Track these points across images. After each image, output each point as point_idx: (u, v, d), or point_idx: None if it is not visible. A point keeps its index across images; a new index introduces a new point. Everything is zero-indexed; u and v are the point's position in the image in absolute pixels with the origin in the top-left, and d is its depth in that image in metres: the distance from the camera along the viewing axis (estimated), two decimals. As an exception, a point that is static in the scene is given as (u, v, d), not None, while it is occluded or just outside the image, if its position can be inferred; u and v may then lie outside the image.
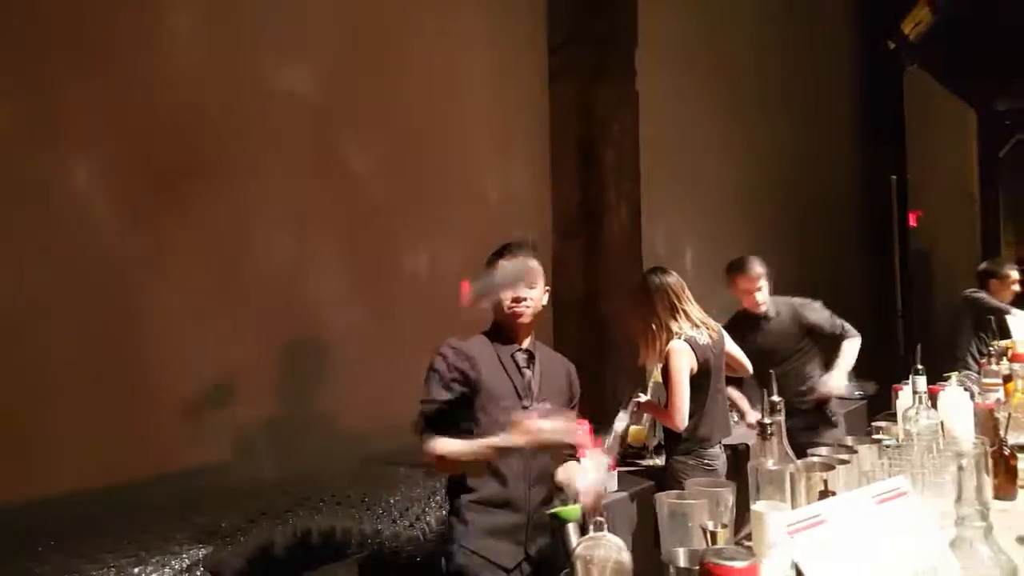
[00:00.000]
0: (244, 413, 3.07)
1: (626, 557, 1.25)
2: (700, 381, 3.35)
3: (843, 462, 1.55)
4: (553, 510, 1.18)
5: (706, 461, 3.38)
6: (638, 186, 4.40)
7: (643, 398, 3.71)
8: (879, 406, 3.79)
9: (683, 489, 3.26)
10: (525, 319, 2.35)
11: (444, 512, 2.71)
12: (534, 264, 2.40)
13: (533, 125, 4.34)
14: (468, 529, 2.23)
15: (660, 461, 3.78)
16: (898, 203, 8.41)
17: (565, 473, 2.20)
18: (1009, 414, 2.27)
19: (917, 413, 1.95)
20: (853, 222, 8.43)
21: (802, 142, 7.33)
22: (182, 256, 2.91)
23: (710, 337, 3.42)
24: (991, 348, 3.98)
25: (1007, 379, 2.63)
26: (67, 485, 2.47)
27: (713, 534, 1.25)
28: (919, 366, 1.93)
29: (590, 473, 1.75)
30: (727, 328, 3.70)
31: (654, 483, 3.50)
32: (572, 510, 1.17)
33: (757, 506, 1.34)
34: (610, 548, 1.22)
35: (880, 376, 4.97)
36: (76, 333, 2.59)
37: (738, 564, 1.07)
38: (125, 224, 2.76)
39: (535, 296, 2.37)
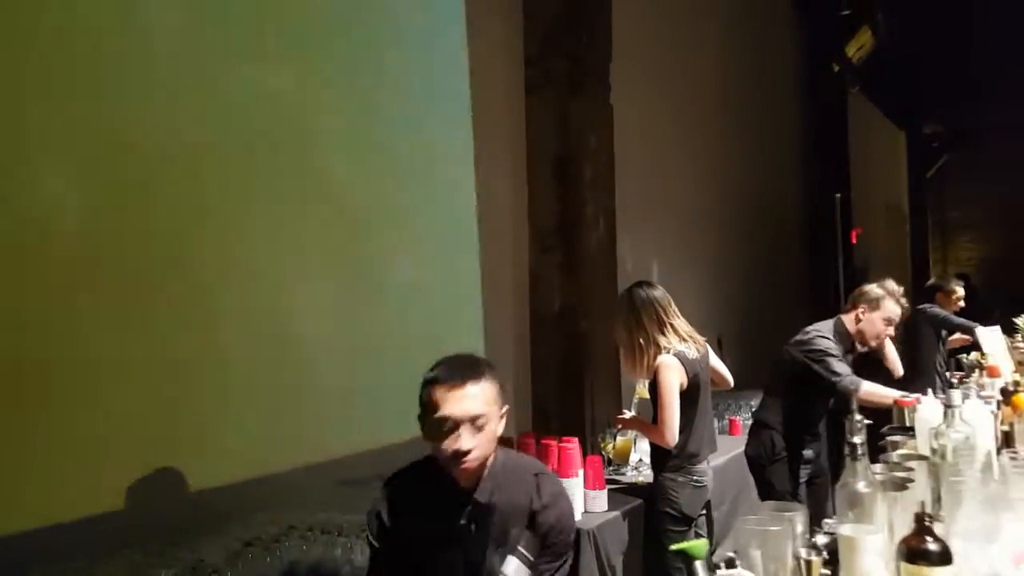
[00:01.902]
0: (212, 436, 2.90)
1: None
2: (690, 396, 3.31)
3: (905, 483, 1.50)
4: (679, 546, 1.07)
5: (695, 478, 3.33)
6: (613, 200, 4.38)
7: (627, 415, 3.66)
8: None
9: (676, 507, 3.28)
10: (470, 468, 1.80)
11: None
12: (477, 395, 1.78)
13: (510, 137, 4.27)
14: None
15: (642, 477, 3.73)
16: (842, 220, 8.63)
17: None
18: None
19: (949, 428, 1.92)
20: (799, 238, 8.63)
21: (753, 160, 7.47)
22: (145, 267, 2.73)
23: (697, 351, 3.39)
24: (961, 362, 4.08)
25: (1007, 393, 2.65)
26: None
27: (808, 563, 1.18)
28: (953, 380, 1.91)
29: None
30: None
31: (642, 501, 3.44)
32: (699, 545, 1.06)
33: (846, 530, 1.28)
34: None
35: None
36: None
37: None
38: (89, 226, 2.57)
39: (484, 440, 1.79)
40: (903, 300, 3.60)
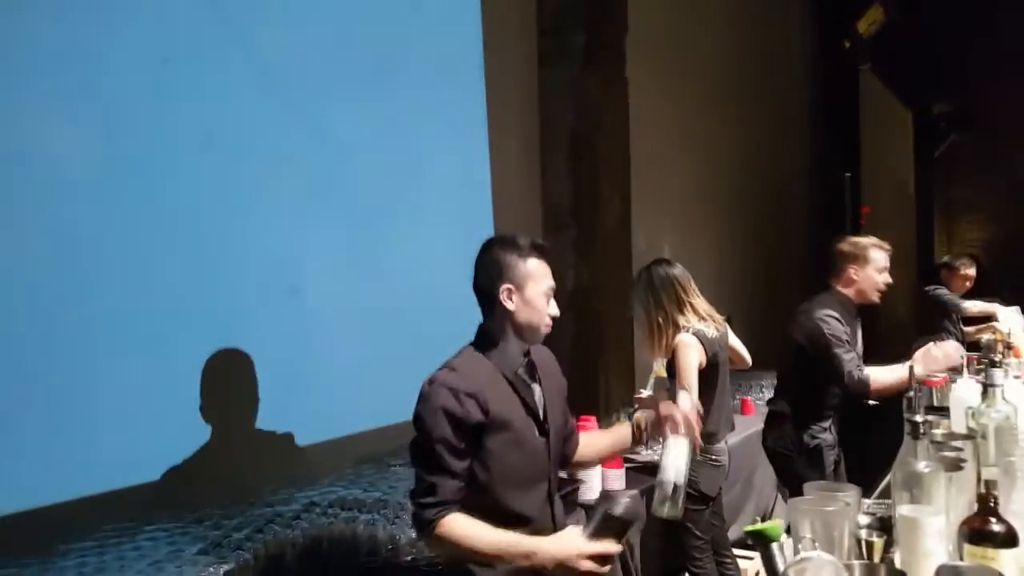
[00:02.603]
0: (237, 413, 2.87)
1: (844, 576, 1.07)
2: (709, 375, 3.27)
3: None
4: (754, 527, 1.03)
5: (713, 457, 3.31)
6: (629, 177, 4.31)
7: (644, 394, 3.62)
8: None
9: (694, 486, 3.25)
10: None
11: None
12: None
13: (522, 110, 4.20)
14: (492, 572, 1.85)
15: (658, 456, 3.70)
16: (851, 199, 8.57)
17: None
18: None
19: (990, 407, 1.88)
20: (809, 217, 8.56)
21: (763, 137, 7.39)
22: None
23: (716, 330, 3.35)
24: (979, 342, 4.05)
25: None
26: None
27: (869, 544, 1.15)
28: (997, 358, 1.87)
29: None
30: None
31: (659, 480, 3.42)
32: (775, 527, 1.02)
33: (906, 511, 1.24)
34: (824, 568, 1.08)
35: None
36: None
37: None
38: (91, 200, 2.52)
39: None
40: (885, 244, 3.48)
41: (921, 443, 1.28)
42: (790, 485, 3.47)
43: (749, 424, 4.36)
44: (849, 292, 3.45)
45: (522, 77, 4.20)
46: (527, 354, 1.99)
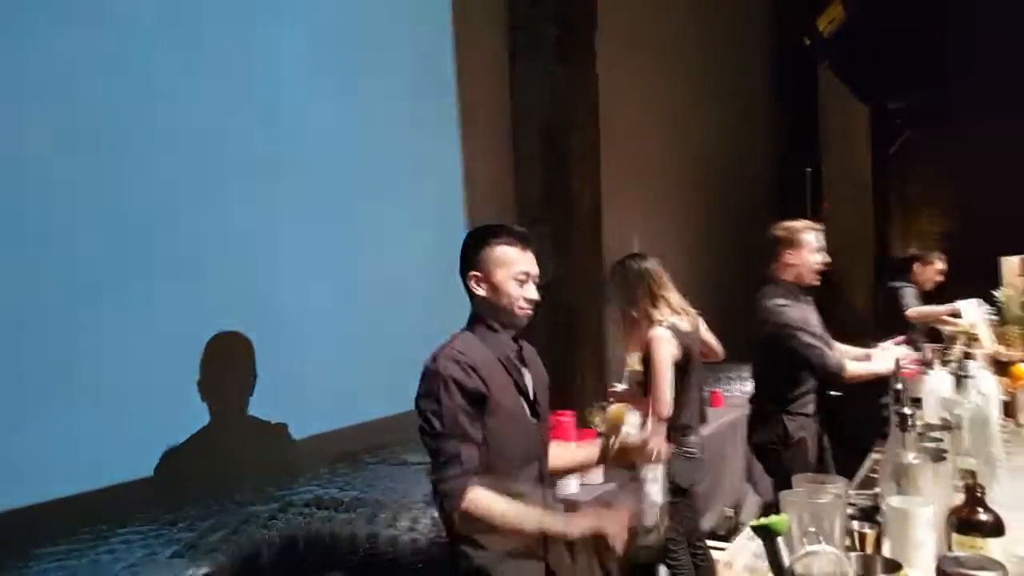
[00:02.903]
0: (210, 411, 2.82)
1: (849, 570, 1.08)
2: (683, 369, 3.30)
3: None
4: (759, 522, 1.03)
5: (688, 449, 3.33)
6: (599, 171, 4.32)
7: (619, 388, 3.65)
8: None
9: (670, 478, 3.26)
10: (530, 317, 2.02)
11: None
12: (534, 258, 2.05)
13: (493, 104, 4.18)
14: (484, 554, 1.91)
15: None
16: (812, 195, 8.69)
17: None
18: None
19: (964, 398, 1.92)
20: (771, 212, 8.66)
21: (727, 133, 7.47)
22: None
23: (689, 324, 3.37)
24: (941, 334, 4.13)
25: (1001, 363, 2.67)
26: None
27: (862, 535, 1.16)
28: (969, 351, 1.90)
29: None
30: None
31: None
32: (781, 521, 1.02)
33: (895, 501, 1.26)
34: (830, 562, 1.08)
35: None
36: None
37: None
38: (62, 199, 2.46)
39: None
40: (815, 225, 3.55)
41: (910, 435, 1.30)
42: (778, 479, 3.52)
43: (719, 416, 4.41)
44: (789, 277, 3.50)
45: (493, 71, 4.18)
46: (516, 339, 2.03)
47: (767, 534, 1.01)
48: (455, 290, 3.96)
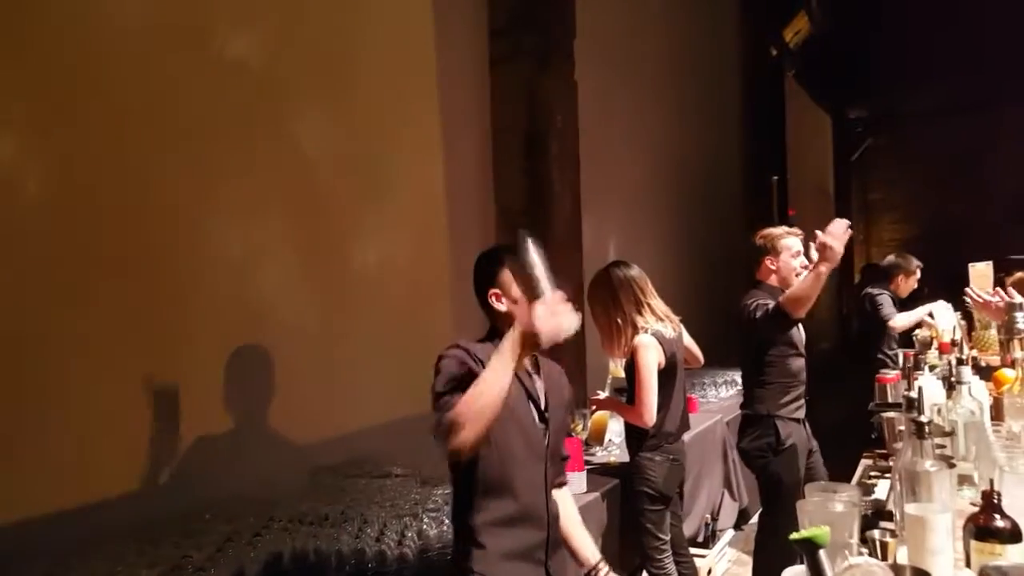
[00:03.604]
0: (190, 426, 2.76)
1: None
2: (667, 376, 3.30)
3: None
4: (802, 535, 1.00)
5: (672, 456, 3.33)
6: (579, 178, 4.32)
7: (602, 395, 3.64)
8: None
9: (654, 485, 3.27)
10: None
11: (438, 530, 2.51)
12: None
13: (474, 110, 4.16)
14: (484, 554, 1.95)
15: (613, 457, 3.72)
16: (778, 202, 8.79)
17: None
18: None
19: (957, 404, 1.93)
20: (740, 219, 8.75)
21: (698, 141, 7.54)
22: (115, 249, 2.56)
23: (673, 331, 3.38)
24: (913, 339, 4.19)
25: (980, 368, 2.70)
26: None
27: (884, 544, 1.15)
28: (963, 356, 1.92)
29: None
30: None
31: (618, 481, 3.43)
32: (823, 533, 0.99)
33: (914, 509, 1.26)
34: (873, 574, 1.07)
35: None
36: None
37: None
38: (53, 208, 2.40)
39: None
40: (795, 230, 3.63)
41: (926, 443, 1.30)
42: (767, 485, 3.54)
43: (696, 422, 4.42)
44: (773, 282, 3.57)
45: (474, 78, 4.17)
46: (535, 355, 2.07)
47: (810, 547, 0.99)
48: (436, 300, 3.94)
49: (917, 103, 11.69)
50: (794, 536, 1.02)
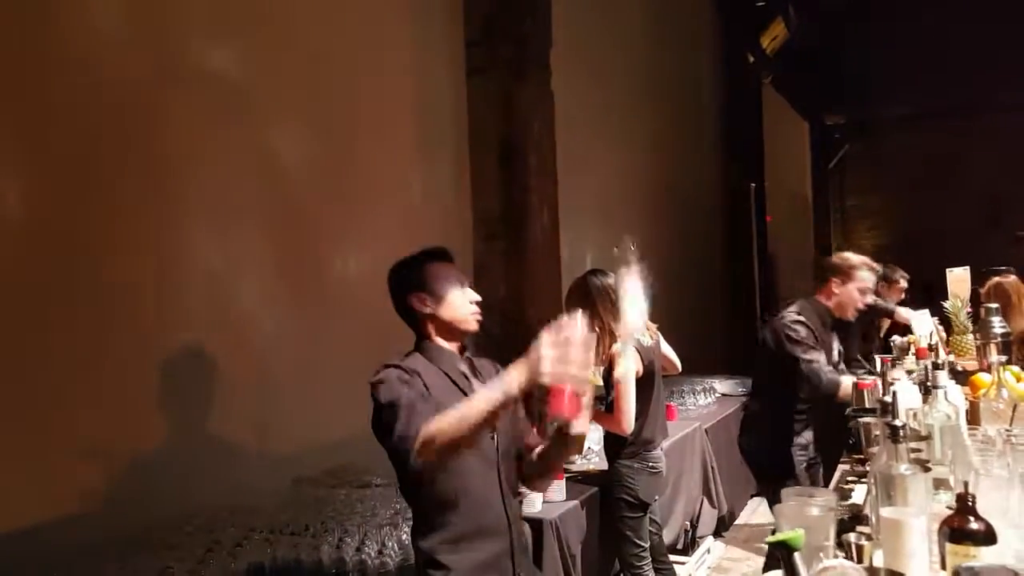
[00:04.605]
0: (170, 436, 2.73)
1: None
2: (645, 384, 3.31)
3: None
4: (777, 538, 1.00)
5: (651, 464, 3.34)
6: (556, 188, 4.33)
7: (581, 403, 3.63)
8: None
9: (633, 493, 3.27)
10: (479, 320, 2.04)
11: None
12: None
13: (451, 120, 4.16)
14: (448, 575, 1.89)
15: (592, 465, 3.72)
16: (756, 209, 8.85)
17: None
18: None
19: (933, 408, 1.95)
20: (717, 226, 8.81)
21: (675, 148, 7.57)
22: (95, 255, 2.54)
23: (650, 339, 3.39)
24: (891, 345, 4.22)
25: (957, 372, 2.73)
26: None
27: (860, 547, 1.16)
28: (939, 361, 1.94)
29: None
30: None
31: (597, 489, 3.42)
32: (798, 536, 1.00)
33: (889, 512, 1.27)
34: None
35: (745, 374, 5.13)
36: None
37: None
38: (36, 217, 2.38)
39: None
40: (876, 266, 3.60)
41: (900, 446, 1.31)
42: (763, 486, 3.57)
43: (675, 430, 4.42)
44: (829, 304, 3.54)
45: (450, 88, 4.17)
46: (463, 351, 2.05)
47: (785, 550, 0.99)
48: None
49: (893, 109, 11.82)
50: (769, 539, 1.02)
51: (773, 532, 1.10)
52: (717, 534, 4.80)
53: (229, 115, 3.02)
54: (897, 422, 1.33)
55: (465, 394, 1.92)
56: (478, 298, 2.03)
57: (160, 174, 2.75)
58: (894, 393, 1.40)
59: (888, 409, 1.36)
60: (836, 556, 1.31)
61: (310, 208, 3.39)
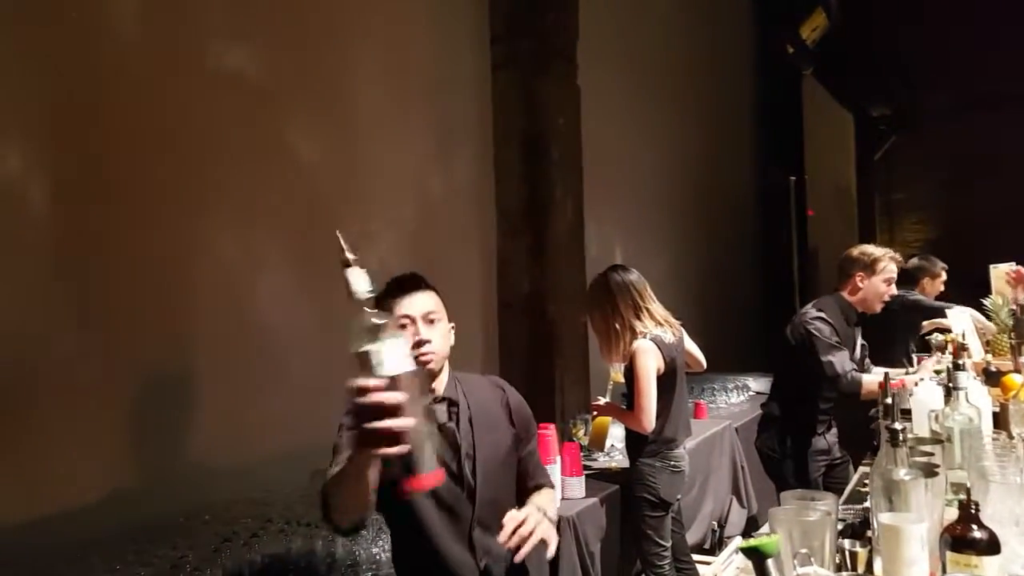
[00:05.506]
0: (188, 428, 2.77)
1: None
2: (667, 381, 3.27)
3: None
4: (748, 543, 0.97)
5: (672, 463, 3.29)
6: (581, 182, 4.29)
7: (601, 401, 3.60)
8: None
9: (654, 492, 3.22)
10: (433, 366, 1.91)
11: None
12: (430, 295, 1.96)
13: (475, 117, 4.15)
14: None
15: (615, 463, 3.68)
16: (796, 204, 8.68)
17: None
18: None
19: (954, 410, 1.88)
20: (753, 221, 8.66)
21: (710, 142, 7.45)
22: (111, 252, 2.58)
23: (673, 335, 3.34)
24: (930, 343, 4.09)
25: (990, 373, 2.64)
26: None
27: (854, 555, 1.12)
28: (961, 361, 1.87)
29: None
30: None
31: (618, 487, 3.39)
32: (771, 542, 0.96)
33: (887, 519, 1.22)
34: None
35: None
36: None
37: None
38: (54, 214, 2.42)
39: (438, 335, 1.91)
40: (897, 256, 3.52)
41: (901, 450, 1.26)
42: (778, 487, 3.50)
43: (704, 428, 4.37)
44: (854, 299, 3.48)
45: (475, 83, 4.15)
46: (432, 392, 1.95)
47: (757, 556, 0.96)
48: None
49: (941, 100, 11.50)
50: (741, 544, 0.99)
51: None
52: (746, 534, 4.72)
53: (250, 114, 3.04)
54: (896, 425, 1.27)
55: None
56: (424, 336, 1.87)
57: (184, 173, 2.78)
58: (894, 395, 1.35)
59: (888, 411, 1.30)
60: (834, 562, 1.27)
61: (333, 204, 3.40)
